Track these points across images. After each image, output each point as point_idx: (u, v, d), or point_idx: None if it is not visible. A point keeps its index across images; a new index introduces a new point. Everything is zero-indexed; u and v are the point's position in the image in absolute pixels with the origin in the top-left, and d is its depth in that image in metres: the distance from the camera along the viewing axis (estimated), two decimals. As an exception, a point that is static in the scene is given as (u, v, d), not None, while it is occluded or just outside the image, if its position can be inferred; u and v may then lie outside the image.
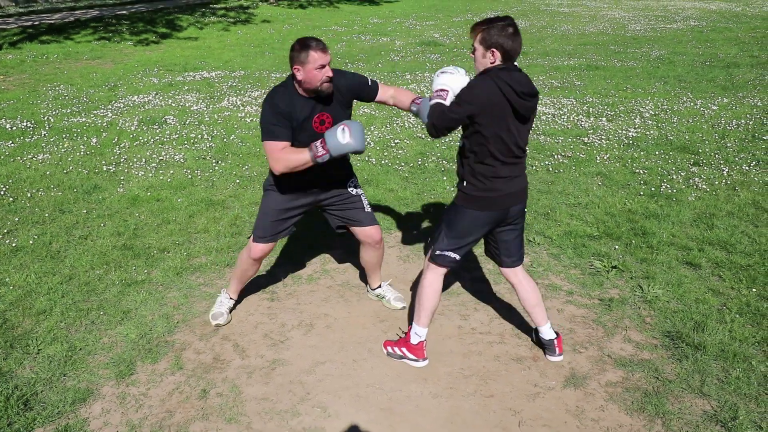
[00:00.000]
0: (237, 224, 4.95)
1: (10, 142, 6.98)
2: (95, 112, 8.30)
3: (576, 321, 3.73)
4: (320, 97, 3.22)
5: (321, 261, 4.48)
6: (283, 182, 3.43)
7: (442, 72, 3.00)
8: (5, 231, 4.85)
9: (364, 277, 4.16)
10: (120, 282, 4.15)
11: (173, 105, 8.66)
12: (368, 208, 3.68)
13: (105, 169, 6.14)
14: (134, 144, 6.92)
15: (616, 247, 4.55)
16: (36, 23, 17.23)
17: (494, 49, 2.80)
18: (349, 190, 3.62)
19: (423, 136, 7.04)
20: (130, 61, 12.39)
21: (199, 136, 7.16)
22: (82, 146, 6.80)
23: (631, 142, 6.81)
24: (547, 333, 3.38)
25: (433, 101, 2.95)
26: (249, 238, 3.64)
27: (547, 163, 6.19)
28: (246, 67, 11.75)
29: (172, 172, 6.05)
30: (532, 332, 3.59)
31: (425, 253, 3.34)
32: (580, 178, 5.81)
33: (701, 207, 5.18)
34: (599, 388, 3.16)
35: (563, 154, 6.44)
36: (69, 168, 6.18)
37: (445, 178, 5.83)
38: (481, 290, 4.09)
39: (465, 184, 3.03)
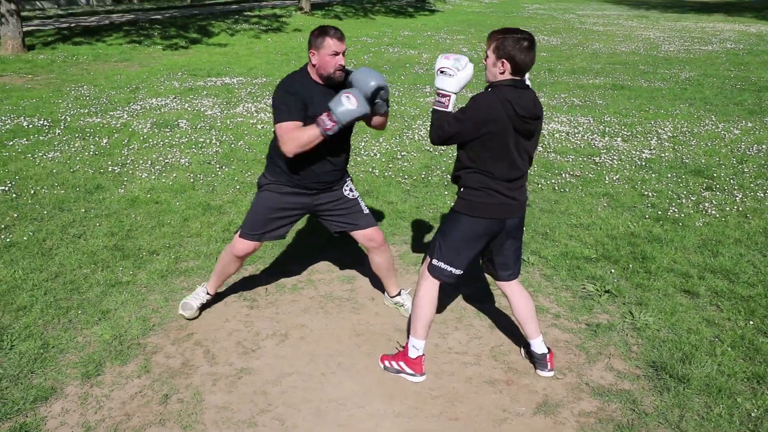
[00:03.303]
0: (230, 230, 4.93)
1: (25, 139, 7.10)
2: (111, 113, 8.42)
3: (558, 345, 3.61)
4: (335, 85, 3.27)
5: (309, 271, 4.42)
6: (280, 180, 3.43)
7: (441, 71, 2.92)
8: (2, 227, 4.91)
9: (363, 289, 4.18)
10: (104, 282, 4.15)
11: (188, 109, 8.74)
12: (366, 211, 3.67)
13: (110, 169, 6.20)
14: (143, 146, 6.99)
15: (613, 270, 4.41)
16: (72, 25, 17.65)
17: (505, 60, 2.79)
18: (345, 193, 3.59)
19: (431, 149, 6.96)
20: (157, 64, 12.58)
21: (208, 140, 7.19)
22: (92, 146, 6.89)
23: (643, 163, 6.64)
24: (539, 347, 3.31)
25: (436, 108, 2.95)
26: (236, 233, 3.60)
27: (553, 181, 6.06)
28: (269, 74, 11.82)
29: (175, 175, 6.07)
30: (521, 348, 3.52)
31: (422, 263, 3.29)
32: (586, 199, 5.67)
33: (708, 233, 5.00)
34: (571, 417, 3.04)
35: (572, 173, 6.30)
36: (76, 167, 6.25)
37: (446, 192, 5.74)
38: (466, 308, 3.99)
39: (463, 190, 3.03)
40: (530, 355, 3.38)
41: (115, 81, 10.68)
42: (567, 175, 6.23)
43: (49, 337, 3.57)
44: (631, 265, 4.47)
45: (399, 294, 3.93)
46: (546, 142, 7.31)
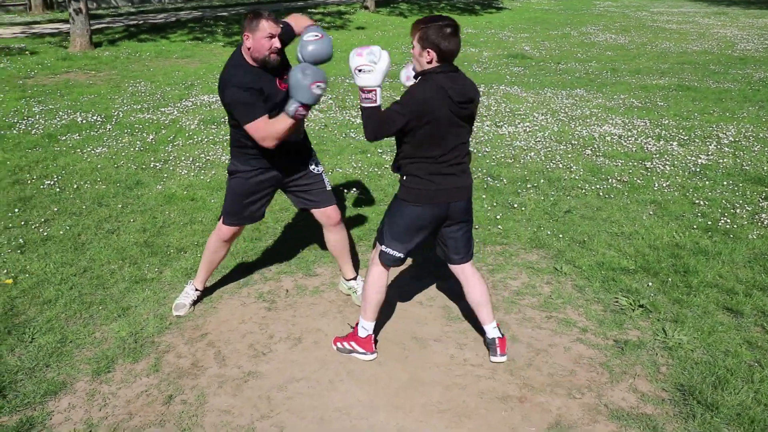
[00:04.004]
0: (260, 229, 4.92)
1: (77, 134, 7.33)
2: (163, 109, 8.60)
3: (581, 362, 3.42)
4: (273, 68, 3.27)
5: (333, 274, 4.35)
6: (249, 165, 3.46)
7: (359, 69, 2.90)
8: (42, 220, 5.05)
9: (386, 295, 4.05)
10: (130, 278, 4.20)
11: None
12: (329, 187, 3.74)
13: (152, 165, 6.32)
14: (187, 143, 7.09)
15: (650, 283, 4.16)
16: (140, 22, 18.23)
17: (430, 49, 2.86)
18: (311, 168, 3.65)
19: (474, 150, 6.79)
20: (216, 61, 12.80)
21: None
22: (138, 142, 7.05)
23: (698, 169, 6.27)
24: (490, 332, 3.38)
25: (364, 105, 2.95)
26: (219, 219, 3.68)
27: (598, 186, 5.80)
28: (329, 72, 11.84)
29: (213, 172, 6.13)
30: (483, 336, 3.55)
31: (372, 249, 3.34)
32: (631, 206, 5.40)
33: (762, 247, 4.67)
34: (583, 441, 2.87)
35: (619, 178, 6.02)
36: (120, 163, 6.40)
37: (483, 196, 5.57)
38: (487, 318, 3.84)
39: (406, 178, 3.08)
40: (485, 341, 3.46)
41: (173, 77, 10.92)
42: (614, 181, 5.95)
43: (68, 332, 3.63)
44: (671, 279, 4.21)
45: (354, 279, 4.00)
46: (595, 146, 7.03)
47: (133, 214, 5.20)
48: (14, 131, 7.47)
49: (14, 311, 3.82)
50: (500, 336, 3.37)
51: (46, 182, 5.83)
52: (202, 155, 6.65)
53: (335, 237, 3.86)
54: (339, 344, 3.48)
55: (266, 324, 3.78)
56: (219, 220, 3.68)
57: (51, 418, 2.98)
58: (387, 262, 3.24)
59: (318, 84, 3.05)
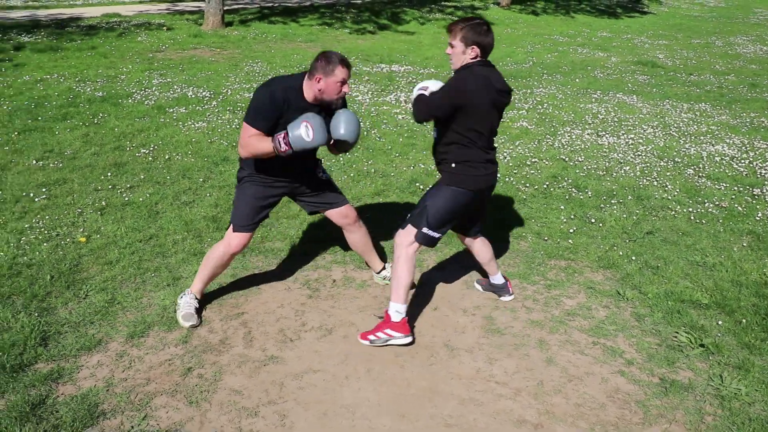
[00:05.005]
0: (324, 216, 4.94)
1: (184, 108, 7.73)
2: (268, 90, 8.85)
3: (615, 396, 3.17)
4: (320, 106, 3.35)
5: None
6: (261, 172, 3.50)
7: (420, 88, 3.35)
8: (128, 186, 5.37)
9: (431, 298, 4.01)
10: (189, 250, 4.37)
11: (342, 93, 8.94)
12: (338, 190, 3.84)
13: (242, 143, 6.52)
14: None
15: (721, 322, 3.78)
16: (275, 5, 18.91)
17: (474, 46, 3.17)
18: (319, 175, 3.71)
19: (565, 158, 6.47)
20: (338, 47, 13.03)
21: (345, 125, 7.29)
22: (237, 120, 7.31)
23: (816, 202, 5.62)
24: (498, 279, 3.88)
25: (416, 94, 3.32)
26: (227, 229, 3.60)
27: (691, 210, 5.34)
28: (441, 66, 11.74)
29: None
30: (476, 283, 4.11)
31: (398, 231, 3.47)
32: (723, 234, 4.93)
33: None
34: (592, 482, 2.65)
35: (718, 203, 5.51)
36: (214, 138, 6.67)
37: (563, 207, 5.29)
38: (529, 335, 3.64)
39: (454, 165, 3.32)
40: (492, 286, 3.93)
41: (290, 60, 11.24)
42: (710, 205, 5.46)
43: (118, 294, 3.84)
44: (747, 320, 3.80)
45: (384, 269, 4.10)
46: (701, 165, 6.47)
47: (212, 189, 5.40)
48: (130, 100, 7.99)
49: (78, 268, 4.09)
50: (506, 280, 3.92)
51: (142, 150, 6.19)
52: (291, 138, 6.79)
53: (356, 235, 3.89)
54: (372, 336, 3.46)
55: (303, 311, 3.80)
56: (228, 229, 3.58)
57: (78, 372, 3.16)
58: (425, 242, 3.39)
59: (307, 124, 3.10)
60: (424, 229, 3.35)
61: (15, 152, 6.03)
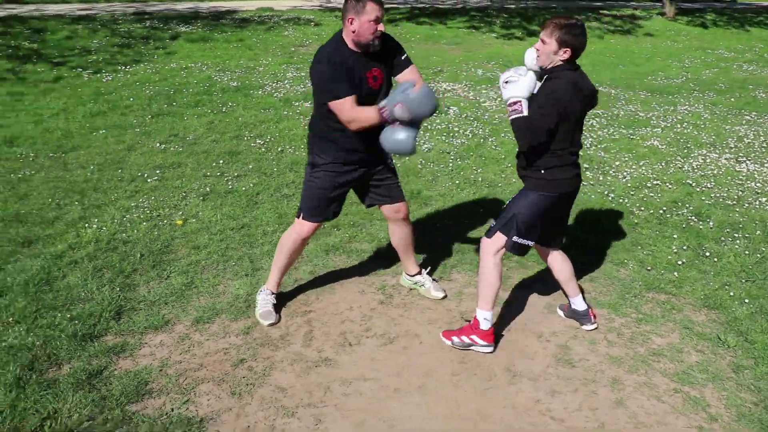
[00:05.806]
0: (417, 222, 4.82)
1: (309, 102, 7.89)
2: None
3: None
4: (370, 53, 3.22)
5: (466, 283, 4.11)
6: (336, 158, 3.39)
7: (506, 82, 3.14)
8: (235, 175, 5.56)
9: (506, 319, 3.76)
10: (275, 242, 4.35)
11: (469, 98, 8.74)
12: (399, 183, 3.72)
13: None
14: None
15: None
16: (426, 5, 18.96)
17: (568, 48, 3.09)
18: (388, 161, 3.61)
19: (692, 183, 5.84)
20: (481, 52, 12.79)
21: (463, 131, 7.10)
22: (355, 118, 7.34)
23: None
24: (580, 304, 3.64)
25: (513, 117, 3.11)
26: (298, 217, 3.54)
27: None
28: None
29: (407, 159, 6.11)
30: (558, 309, 3.81)
31: (483, 238, 3.38)
32: None
33: None
34: None
35: None
36: (328, 134, 6.74)
37: (676, 236, 4.77)
38: (603, 371, 3.30)
39: (543, 172, 3.23)
40: (573, 312, 3.68)
41: (428, 61, 11.16)
42: None
43: (198, 279, 3.95)
44: None
45: (419, 273, 3.94)
46: None
47: (312, 183, 5.45)
48: (260, 92, 8.31)
49: (168, 249, 4.28)
50: (588, 307, 3.66)
51: (258, 141, 6.40)
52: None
53: (402, 231, 3.79)
54: (456, 338, 3.43)
55: (370, 316, 3.71)
56: (298, 217, 3.54)
57: (140, 349, 3.28)
58: (517, 251, 3.36)
59: (403, 132, 3.10)
60: (515, 238, 3.30)
61: (144, 134, 6.47)
